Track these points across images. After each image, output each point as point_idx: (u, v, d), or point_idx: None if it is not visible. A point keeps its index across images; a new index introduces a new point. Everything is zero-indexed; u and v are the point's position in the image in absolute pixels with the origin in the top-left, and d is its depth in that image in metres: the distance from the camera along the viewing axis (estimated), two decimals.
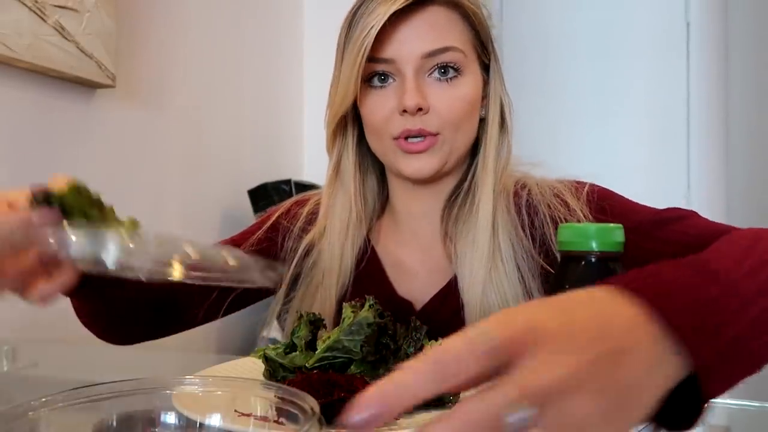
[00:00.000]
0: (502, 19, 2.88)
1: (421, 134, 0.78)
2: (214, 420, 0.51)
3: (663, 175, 2.72)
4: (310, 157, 2.16)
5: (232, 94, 1.87)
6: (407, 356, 0.66)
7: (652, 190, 2.70)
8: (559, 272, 0.50)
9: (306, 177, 2.05)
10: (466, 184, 0.86)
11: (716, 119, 2.70)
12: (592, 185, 0.85)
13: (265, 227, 0.92)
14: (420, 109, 0.77)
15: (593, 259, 0.49)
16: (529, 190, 0.85)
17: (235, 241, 0.92)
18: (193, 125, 1.69)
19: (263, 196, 1.80)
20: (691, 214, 0.76)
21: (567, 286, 0.48)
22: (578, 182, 0.86)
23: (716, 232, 0.68)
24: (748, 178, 2.58)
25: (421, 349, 0.67)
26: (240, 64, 1.91)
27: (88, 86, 1.33)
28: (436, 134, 0.79)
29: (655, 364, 0.33)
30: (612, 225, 0.50)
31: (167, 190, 1.60)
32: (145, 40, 1.52)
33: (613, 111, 2.78)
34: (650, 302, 0.34)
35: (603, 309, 0.34)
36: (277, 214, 0.94)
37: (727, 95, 2.71)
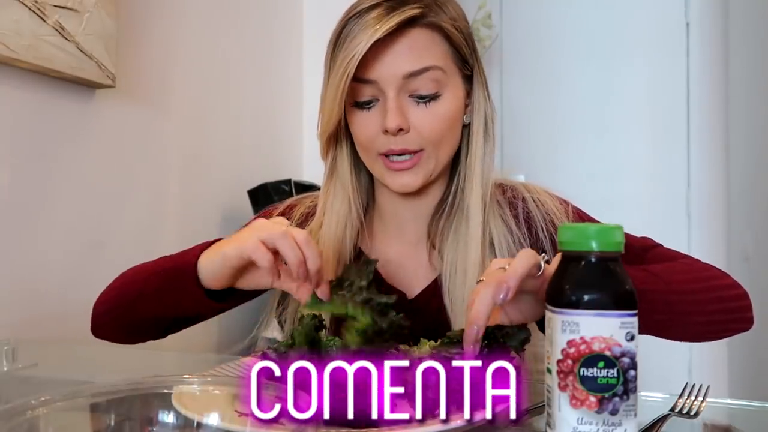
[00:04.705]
0: (502, 19, 2.88)
1: (404, 153, 0.83)
2: (214, 420, 0.51)
3: (663, 175, 2.72)
4: (310, 157, 2.16)
5: (232, 94, 1.87)
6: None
7: (652, 189, 2.71)
8: (559, 272, 0.51)
9: (306, 177, 2.05)
10: (453, 190, 0.90)
11: (716, 119, 2.70)
12: (573, 206, 0.91)
13: None
14: (401, 130, 0.81)
15: (593, 259, 0.49)
16: (523, 198, 0.89)
17: None
18: (193, 125, 1.69)
19: (263, 196, 1.79)
20: (659, 245, 0.87)
21: (567, 286, 0.49)
22: (561, 198, 0.91)
23: (674, 258, 0.84)
24: (748, 178, 2.58)
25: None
26: (240, 64, 1.91)
27: (88, 86, 1.33)
28: (419, 151, 0.84)
29: None
30: (612, 225, 0.50)
31: (167, 190, 1.60)
32: (145, 40, 1.52)
33: (613, 111, 2.78)
34: None
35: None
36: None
37: (727, 95, 2.71)
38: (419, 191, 0.89)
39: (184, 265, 0.78)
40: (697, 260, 0.82)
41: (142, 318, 0.85)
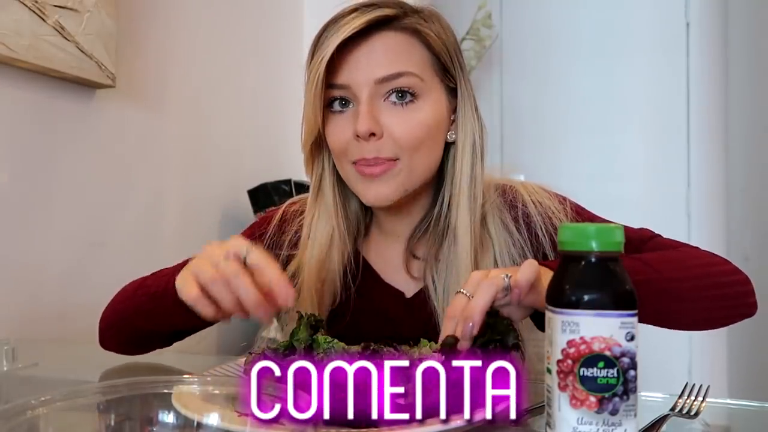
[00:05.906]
0: (502, 19, 2.88)
1: (376, 162, 0.79)
2: (214, 420, 0.51)
3: (663, 175, 2.72)
4: None
5: (232, 94, 1.87)
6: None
7: (652, 190, 2.71)
8: (559, 272, 0.51)
9: (306, 177, 2.04)
10: (436, 211, 0.87)
11: (716, 119, 2.70)
12: (571, 201, 0.88)
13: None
14: (373, 135, 0.78)
15: (593, 259, 0.49)
16: (523, 201, 0.86)
17: None
18: (193, 125, 1.69)
19: (263, 196, 1.79)
20: (658, 235, 0.85)
21: (567, 287, 0.49)
22: (560, 196, 0.88)
23: (673, 247, 0.82)
24: (748, 178, 2.58)
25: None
26: (240, 65, 1.91)
27: (88, 86, 1.33)
28: (393, 160, 0.80)
29: None
30: (612, 225, 0.50)
31: (167, 190, 1.60)
32: (145, 40, 1.52)
33: (613, 110, 2.78)
34: None
35: None
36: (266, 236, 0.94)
37: (727, 95, 2.71)
38: (401, 209, 0.87)
39: (167, 289, 0.74)
40: (697, 248, 0.81)
41: (143, 335, 0.85)
